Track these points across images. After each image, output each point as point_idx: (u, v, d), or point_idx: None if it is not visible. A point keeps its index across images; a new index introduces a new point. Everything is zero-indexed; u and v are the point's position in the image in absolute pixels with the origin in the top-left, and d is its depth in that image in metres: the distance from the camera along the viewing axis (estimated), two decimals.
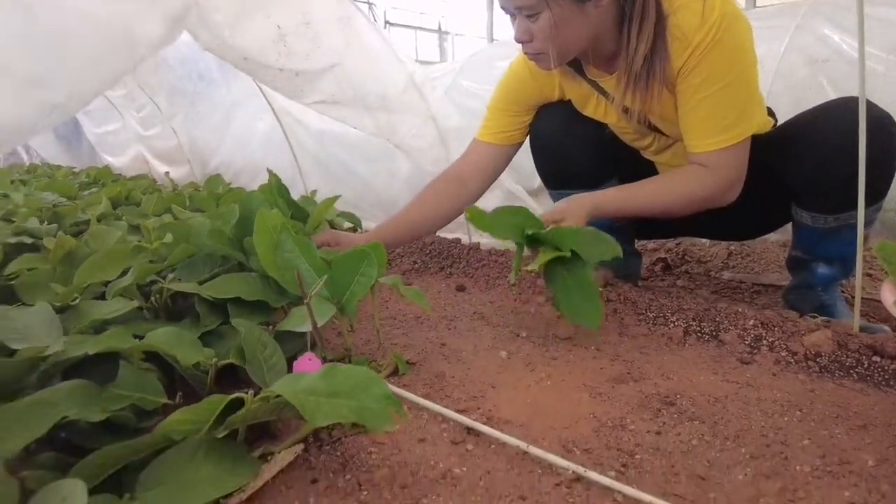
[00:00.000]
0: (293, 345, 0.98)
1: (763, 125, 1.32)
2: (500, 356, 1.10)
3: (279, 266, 1.03)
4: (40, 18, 1.01)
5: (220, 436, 0.69)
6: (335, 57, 1.42)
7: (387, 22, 13.00)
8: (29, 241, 1.54)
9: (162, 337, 0.81)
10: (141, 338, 0.83)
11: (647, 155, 1.49)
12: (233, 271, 1.13)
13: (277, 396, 0.68)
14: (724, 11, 1.11)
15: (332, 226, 1.93)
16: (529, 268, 1.13)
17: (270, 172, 1.42)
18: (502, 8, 1.20)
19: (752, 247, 2.02)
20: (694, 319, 1.20)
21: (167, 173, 2.78)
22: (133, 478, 0.63)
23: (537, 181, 1.63)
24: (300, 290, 0.94)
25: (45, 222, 1.78)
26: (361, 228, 2.03)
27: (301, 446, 0.78)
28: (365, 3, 12.49)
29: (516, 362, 1.08)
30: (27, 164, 4.73)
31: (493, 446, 0.80)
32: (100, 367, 0.83)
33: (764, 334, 1.13)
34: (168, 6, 1.14)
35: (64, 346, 0.80)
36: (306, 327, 0.93)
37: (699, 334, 1.16)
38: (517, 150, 1.50)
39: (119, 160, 3.66)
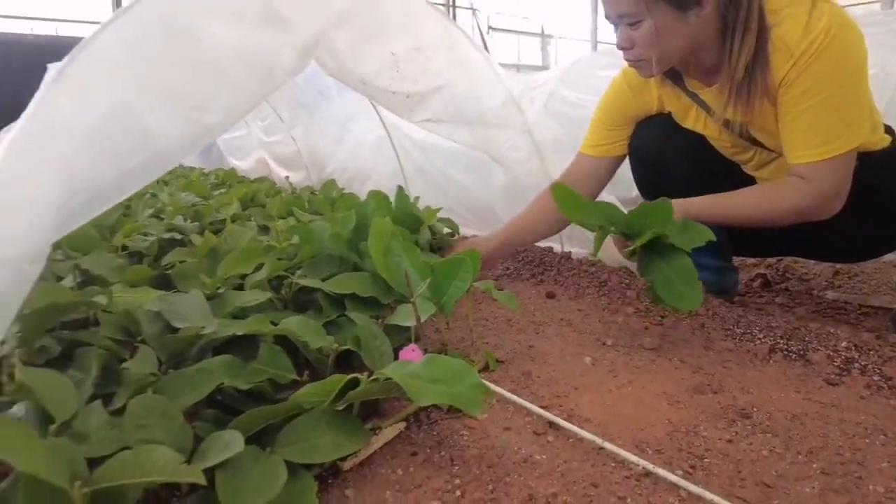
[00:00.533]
0: (398, 337, 1.12)
1: (876, 141, 1.29)
2: (585, 361, 1.18)
3: (389, 268, 1.17)
4: (204, 51, 1.21)
5: (340, 408, 0.84)
6: (441, 79, 1.55)
7: (490, 27, 13.15)
8: (178, 237, 1.80)
9: (294, 324, 0.97)
10: (275, 324, 1.00)
11: (747, 170, 1.49)
12: (348, 271, 1.29)
13: (387, 379, 0.81)
14: (832, 21, 1.11)
15: (432, 231, 2.07)
16: (627, 250, 1.19)
17: (399, 188, 1.59)
18: (606, 17, 1.27)
19: (861, 266, 1.94)
20: (782, 337, 1.22)
21: (287, 177, 3.07)
22: (271, 437, 0.79)
23: (634, 191, 1.68)
24: (407, 290, 1.07)
25: (189, 220, 2.06)
26: (459, 233, 2.16)
27: (403, 424, 0.91)
28: (468, 9, 12.72)
29: (600, 368, 1.15)
30: None
31: (571, 440, 0.89)
32: (241, 347, 1.01)
33: (857, 357, 1.13)
34: (301, 38, 1.32)
35: (218, 328, 0.98)
36: (410, 322, 1.07)
37: (786, 352, 1.18)
38: (620, 163, 1.56)
39: (243, 163, 4.05)
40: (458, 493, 0.76)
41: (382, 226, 1.18)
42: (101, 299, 1.05)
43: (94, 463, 0.68)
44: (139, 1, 1.18)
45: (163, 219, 2.12)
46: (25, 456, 0.62)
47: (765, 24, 1.16)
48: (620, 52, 1.28)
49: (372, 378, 0.83)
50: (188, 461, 0.70)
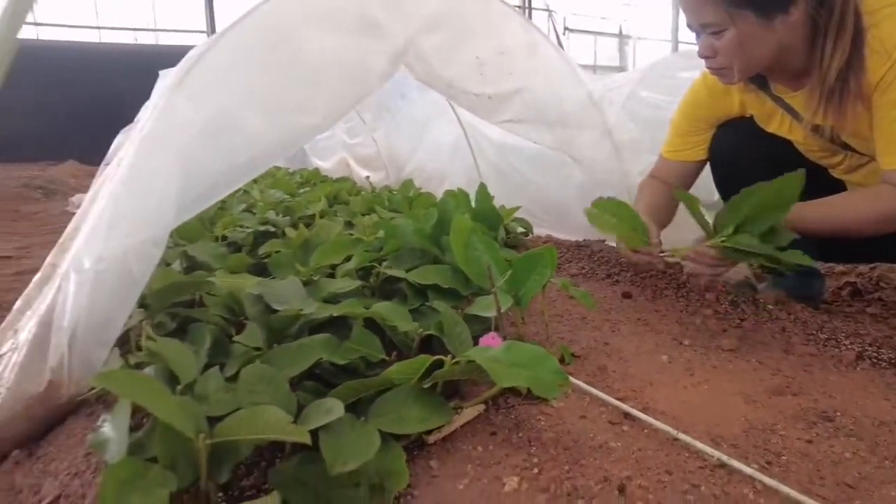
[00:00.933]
0: (476, 327, 1.17)
1: None
2: (661, 359, 1.19)
3: (468, 261, 1.23)
4: (304, 59, 1.32)
5: (425, 386, 0.90)
6: (522, 81, 1.60)
7: (566, 28, 13.02)
8: (272, 229, 1.94)
9: (384, 309, 1.05)
10: (367, 308, 1.08)
11: (836, 174, 1.45)
12: (429, 263, 1.36)
13: (470, 361, 0.87)
14: None
15: (507, 229, 2.12)
16: (710, 242, 1.20)
17: (481, 185, 1.65)
18: (688, 26, 1.28)
19: None
20: (871, 345, 1.18)
21: (367, 177, 3.20)
22: (363, 408, 0.86)
23: (715, 195, 1.66)
24: (486, 282, 1.13)
25: (280, 214, 2.21)
26: (532, 233, 2.19)
27: (483, 406, 0.97)
28: (544, 10, 12.65)
29: (676, 366, 1.16)
30: None
31: (645, 431, 0.91)
32: (335, 328, 1.09)
33: None
34: (392, 45, 1.41)
35: (315, 309, 1.07)
36: (489, 313, 1.12)
37: (875, 360, 1.14)
38: (703, 167, 1.55)
39: (326, 163, 4.25)
40: (535, 470, 0.80)
41: (463, 222, 1.25)
42: (212, 281, 1.17)
43: (211, 421, 0.77)
44: (247, 15, 1.30)
45: (255, 213, 2.29)
46: (162, 408, 0.72)
47: (861, 25, 1.13)
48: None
49: (455, 360, 0.89)
50: (294, 423, 0.79)
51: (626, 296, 1.58)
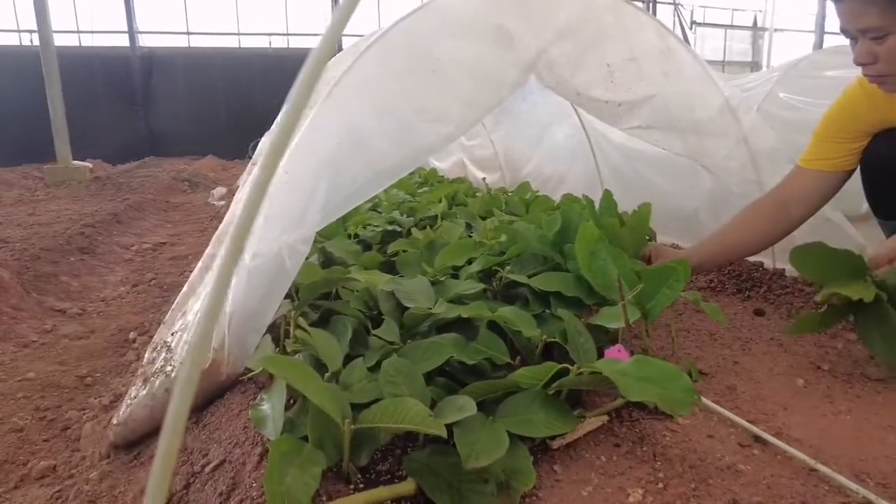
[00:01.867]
0: (599, 337, 1.18)
1: None
2: (797, 383, 1.13)
3: (593, 270, 1.23)
4: (441, 71, 1.38)
5: (550, 393, 0.93)
6: (654, 87, 1.56)
7: (693, 22, 12.33)
8: (397, 228, 2.05)
9: (509, 313, 1.09)
10: (492, 312, 1.12)
11: None
12: (551, 270, 1.38)
13: (596, 372, 0.88)
14: None
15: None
16: (848, 293, 1.11)
17: (606, 192, 1.65)
18: (842, 31, 1.19)
19: None
20: None
21: (484, 179, 3.26)
22: (489, 409, 0.91)
23: (863, 205, 1.53)
24: (612, 292, 1.13)
25: (404, 214, 2.31)
26: (655, 240, 2.13)
27: (606, 418, 0.98)
28: (670, 3, 12.06)
29: (814, 392, 1.10)
30: None
31: (778, 457, 0.88)
32: (460, 329, 1.14)
33: None
34: (524, 56, 1.44)
35: (444, 309, 1.13)
36: (615, 324, 1.12)
37: None
38: (847, 179, 1.44)
39: (443, 164, 4.37)
40: (660, 484, 0.81)
41: (589, 230, 1.25)
42: (353, 278, 1.27)
43: (353, 408, 0.85)
44: (389, 29, 1.39)
45: (380, 212, 2.41)
46: (315, 392, 0.80)
47: None
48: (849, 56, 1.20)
49: (582, 369, 0.91)
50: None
51: (759, 313, 1.51)
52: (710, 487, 0.80)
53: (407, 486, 0.78)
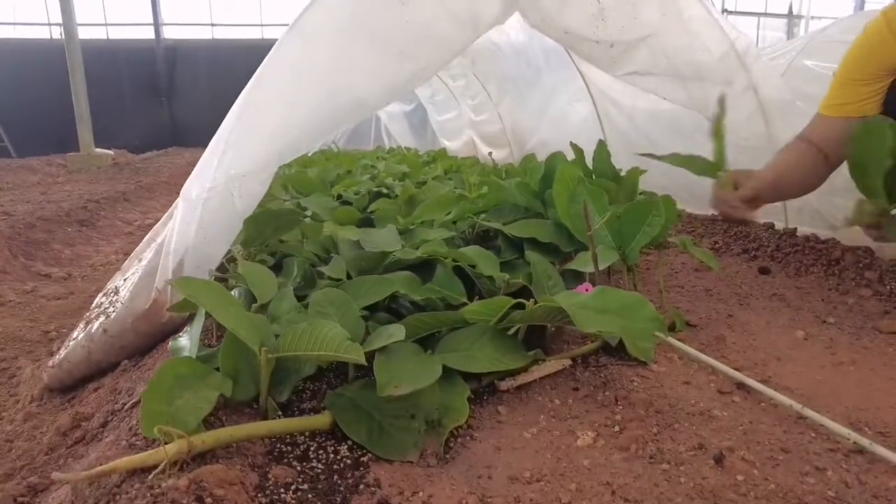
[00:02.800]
0: (575, 284, 1.07)
1: None
2: (796, 335, 1.01)
3: (572, 214, 1.12)
4: (411, 7, 1.28)
5: (506, 332, 0.83)
6: (650, 27, 1.44)
7: (724, 10, 11.96)
8: (385, 191, 1.96)
9: (470, 251, 0.99)
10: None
11: None
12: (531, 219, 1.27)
13: (553, 305, 0.77)
14: None
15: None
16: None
17: (573, 145, 1.53)
18: None
19: None
20: None
21: (490, 153, 3.15)
22: (433, 346, 0.81)
23: None
24: (586, 227, 1.02)
25: (397, 181, 2.22)
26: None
27: (569, 362, 0.87)
28: None
29: (815, 344, 0.97)
30: (387, 147, 5.86)
31: (762, 404, 0.76)
32: (423, 273, 1.05)
33: None
34: None
35: (401, 249, 1.04)
36: (588, 268, 1.01)
37: None
38: None
39: (453, 144, 4.27)
40: (616, 427, 0.70)
41: (569, 170, 1.14)
42: (305, 214, 1.18)
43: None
44: None
45: (375, 181, 2.33)
46: (230, 318, 0.71)
47: None
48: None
49: (538, 303, 0.80)
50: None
51: (764, 271, 1.37)
52: (675, 432, 0.69)
53: (321, 420, 0.68)
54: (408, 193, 1.57)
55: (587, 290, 0.91)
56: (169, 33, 10.48)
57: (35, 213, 3.04)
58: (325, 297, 0.80)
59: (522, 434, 0.70)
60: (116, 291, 1.17)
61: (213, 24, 10.75)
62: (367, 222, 1.57)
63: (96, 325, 1.07)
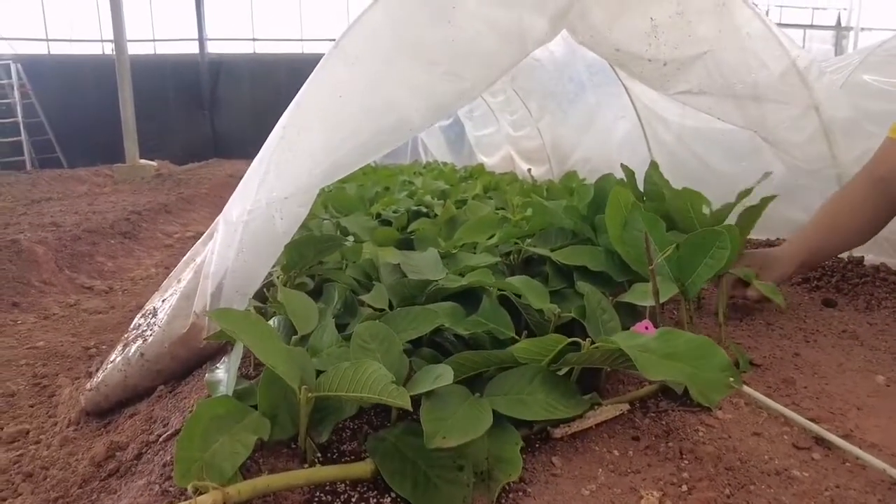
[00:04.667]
0: (630, 319, 1.00)
1: None
2: (876, 381, 0.92)
3: (626, 242, 1.06)
4: (458, 22, 1.25)
5: (557, 372, 0.77)
6: (706, 45, 1.37)
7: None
8: (424, 210, 1.92)
9: (517, 281, 0.93)
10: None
11: None
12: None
13: (612, 347, 0.71)
14: None
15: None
16: None
17: (624, 167, 1.47)
18: None
19: None
20: None
21: (529, 170, 3.09)
22: (481, 387, 0.75)
23: None
24: (646, 266, 0.96)
25: (436, 199, 2.19)
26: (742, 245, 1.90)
27: (626, 406, 0.81)
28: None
29: None
30: (424, 161, 5.85)
31: (847, 464, 0.69)
32: (467, 302, 1.00)
33: None
34: (554, 6, 1.28)
35: (445, 276, 0.99)
36: (647, 301, 0.95)
37: None
38: None
39: (491, 160, 4.22)
40: (684, 487, 0.63)
41: (622, 194, 1.08)
42: (347, 241, 1.15)
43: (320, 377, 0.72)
44: None
45: (413, 199, 2.30)
46: (269, 352, 0.68)
47: None
48: None
49: (596, 345, 0.74)
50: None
51: (828, 304, 1.28)
52: (750, 495, 0.62)
53: (362, 468, 0.64)
54: (448, 214, 1.53)
55: (647, 329, 0.85)
56: (213, 48, 10.77)
57: (81, 224, 3.12)
58: (367, 331, 0.76)
59: (580, 491, 0.64)
60: (154, 313, 1.15)
61: (254, 39, 11.00)
62: (406, 243, 1.53)
63: (133, 347, 1.05)
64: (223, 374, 0.78)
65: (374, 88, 1.18)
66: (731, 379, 0.64)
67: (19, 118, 8.68)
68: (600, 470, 0.68)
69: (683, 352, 0.69)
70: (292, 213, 1.08)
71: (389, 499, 0.62)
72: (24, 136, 8.64)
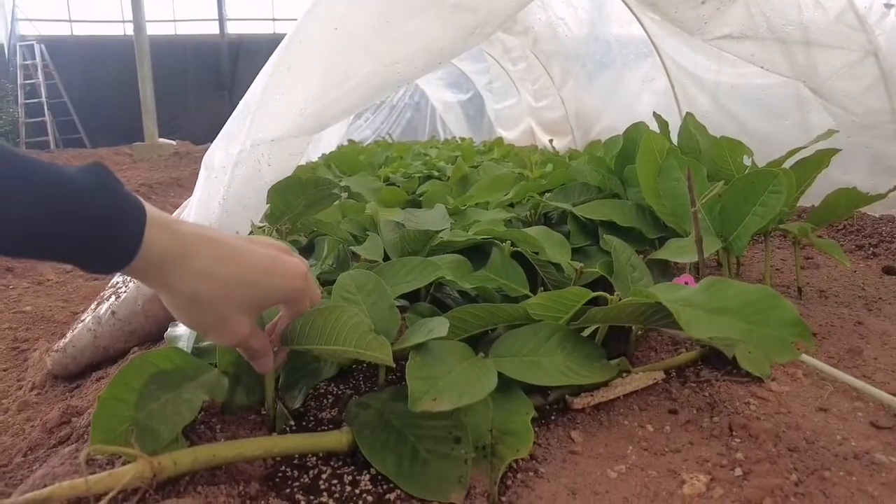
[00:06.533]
0: (663, 278, 0.87)
1: None
2: None
3: (659, 193, 0.92)
4: None
5: (579, 333, 0.64)
6: None
7: (887, 3, 11.16)
8: (436, 174, 1.80)
9: (534, 232, 0.80)
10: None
11: None
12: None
13: (648, 301, 0.58)
14: None
15: None
16: None
17: (657, 116, 1.32)
18: None
19: None
20: None
21: (551, 140, 2.94)
22: (487, 347, 0.63)
23: None
24: (681, 221, 0.82)
25: (450, 164, 2.06)
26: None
27: (662, 375, 0.68)
28: None
29: None
30: (442, 139, 5.70)
31: None
32: (475, 258, 0.87)
33: None
34: None
35: (450, 229, 0.87)
36: (685, 258, 0.81)
37: None
38: None
39: (510, 133, 4.07)
40: (737, 470, 0.50)
41: (655, 140, 0.94)
42: (335, 181, 1.03)
43: None
44: None
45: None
46: None
47: None
48: None
49: (627, 299, 0.61)
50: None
51: (889, 271, 1.13)
52: (827, 484, 0.49)
53: (336, 438, 0.52)
54: (460, 173, 1.40)
55: (688, 283, 0.72)
56: (232, 28, 10.70)
57: None
58: (352, 279, 0.64)
59: (606, 473, 0.51)
60: None
61: (274, 19, 10.91)
62: (414, 205, 1.41)
63: (105, 305, 0.95)
64: (185, 328, 0.67)
65: (375, 23, 1.05)
66: (802, 336, 0.51)
67: (43, 98, 8.72)
68: (630, 448, 0.55)
69: (737, 305, 0.55)
70: (281, 161, 0.97)
71: (368, 476, 0.50)
72: (48, 117, 8.68)
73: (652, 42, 2.02)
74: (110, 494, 0.40)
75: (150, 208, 0.41)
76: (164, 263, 0.41)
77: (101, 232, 0.37)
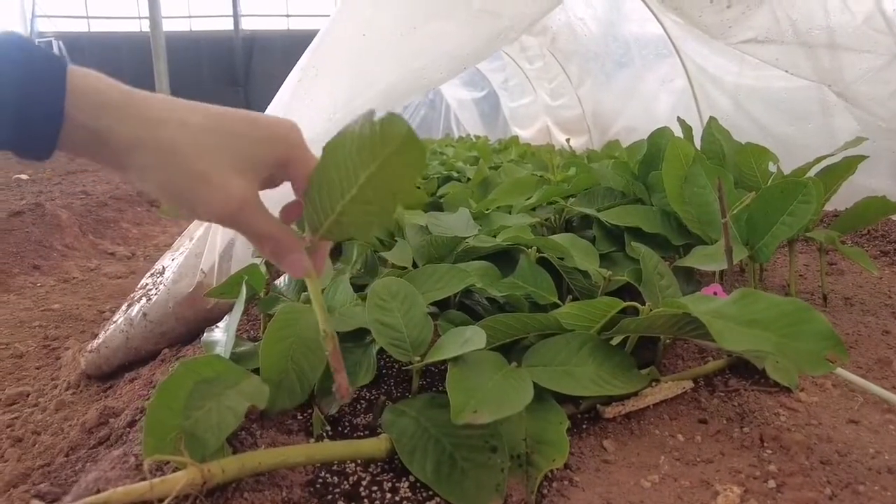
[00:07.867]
0: (688, 286, 0.88)
1: None
2: None
3: (685, 200, 0.93)
4: None
5: (609, 341, 0.65)
6: None
7: None
8: (456, 175, 1.80)
9: (560, 238, 0.81)
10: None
11: None
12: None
13: (678, 311, 0.59)
14: None
15: None
16: None
17: (680, 120, 1.31)
18: None
19: None
20: None
21: (567, 140, 2.93)
22: (518, 356, 0.64)
23: None
24: (708, 228, 0.82)
25: (469, 165, 2.06)
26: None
27: (690, 384, 0.69)
28: None
29: None
30: (456, 136, 5.71)
31: None
32: (501, 264, 0.88)
33: None
34: None
35: (476, 235, 0.87)
36: (712, 266, 0.82)
37: None
38: None
39: (526, 132, 4.06)
40: (771, 482, 0.51)
41: (681, 146, 0.94)
42: None
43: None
44: None
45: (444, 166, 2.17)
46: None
47: None
48: None
49: (658, 310, 0.62)
50: (422, 356, 0.60)
51: None
52: (862, 498, 0.49)
53: (375, 445, 0.53)
54: (481, 176, 1.41)
55: (717, 294, 0.72)
56: (247, 24, 10.76)
57: (110, 192, 3.09)
58: (385, 288, 0.65)
59: (640, 482, 0.52)
60: (162, 272, 1.07)
61: (288, 16, 10.95)
62: (435, 207, 1.42)
63: (137, 307, 0.97)
64: (222, 333, 0.69)
65: (401, 28, 1.06)
66: (835, 349, 0.51)
67: None
68: (662, 457, 0.56)
69: (769, 318, 0.56)
70: None
71: (407, 483, 0.51)
72: None
73: (672, 43, 2.01)
74: (167, 500, 0.41)
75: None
76: (109, 115, 0.35)
77: (19, 79, 0.33)
